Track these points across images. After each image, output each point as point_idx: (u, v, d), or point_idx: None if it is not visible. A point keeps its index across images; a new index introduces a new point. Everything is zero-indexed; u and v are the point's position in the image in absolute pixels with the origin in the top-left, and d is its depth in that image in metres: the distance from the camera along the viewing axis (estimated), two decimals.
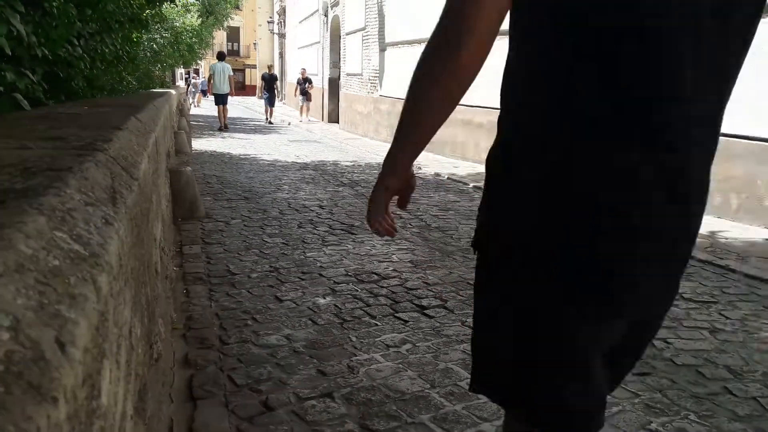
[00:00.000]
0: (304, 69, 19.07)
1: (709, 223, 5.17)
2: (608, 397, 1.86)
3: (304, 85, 18.21)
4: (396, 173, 1.10)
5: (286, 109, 23.47)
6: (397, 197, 1.18)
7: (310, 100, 18.65)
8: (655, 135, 0.85)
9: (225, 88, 14.05)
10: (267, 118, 18.25)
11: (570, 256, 0.89)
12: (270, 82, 18.14)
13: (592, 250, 0.88)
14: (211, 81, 14.24)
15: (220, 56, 14.57)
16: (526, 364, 0.98)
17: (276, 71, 19.76)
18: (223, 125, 14.59)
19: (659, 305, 1.03)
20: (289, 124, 17.78)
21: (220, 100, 14.17)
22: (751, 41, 0.92)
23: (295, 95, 18.99)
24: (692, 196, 0.92)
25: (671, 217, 0.89)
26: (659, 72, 0.84)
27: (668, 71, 0.85)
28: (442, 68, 0.94)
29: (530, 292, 0.94)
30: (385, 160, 1.10)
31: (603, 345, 0.98)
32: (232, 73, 14.34)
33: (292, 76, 22.73)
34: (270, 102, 18.09)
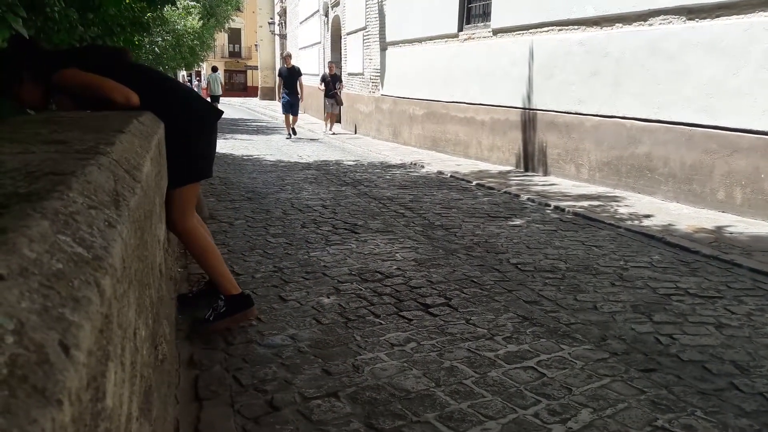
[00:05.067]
0: (332, 63, 14.97)
1: (713, 218, 5.15)
2: (614, 395, 1.96)
3: (333, 85, 13.87)
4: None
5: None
6: None
7: (341, 104, 14.45)
8: (203, 121, 2.77)
9: (218, 91, 20.30)
10: (288, 131, 13.25)
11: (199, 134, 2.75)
12: (290, 80, 13.10)
13: (202, 132, 2.76)
14: (208, 87, 20.59)
15: (214, 69, 21.25)
16: (196, 154, 2.70)
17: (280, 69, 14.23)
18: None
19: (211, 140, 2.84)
20: (324, 134, 13.98)
21: (215, 100, 19.38)
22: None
23: (323, 92, 14.16)
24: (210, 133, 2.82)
25: (207, 132, 2.78)
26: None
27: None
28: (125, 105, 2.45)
29: (195, 139, 2.71)
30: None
31: (211, 145, 2.83)
32: (222, 81, 21.65)
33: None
34: (291, 108, 13.08)
